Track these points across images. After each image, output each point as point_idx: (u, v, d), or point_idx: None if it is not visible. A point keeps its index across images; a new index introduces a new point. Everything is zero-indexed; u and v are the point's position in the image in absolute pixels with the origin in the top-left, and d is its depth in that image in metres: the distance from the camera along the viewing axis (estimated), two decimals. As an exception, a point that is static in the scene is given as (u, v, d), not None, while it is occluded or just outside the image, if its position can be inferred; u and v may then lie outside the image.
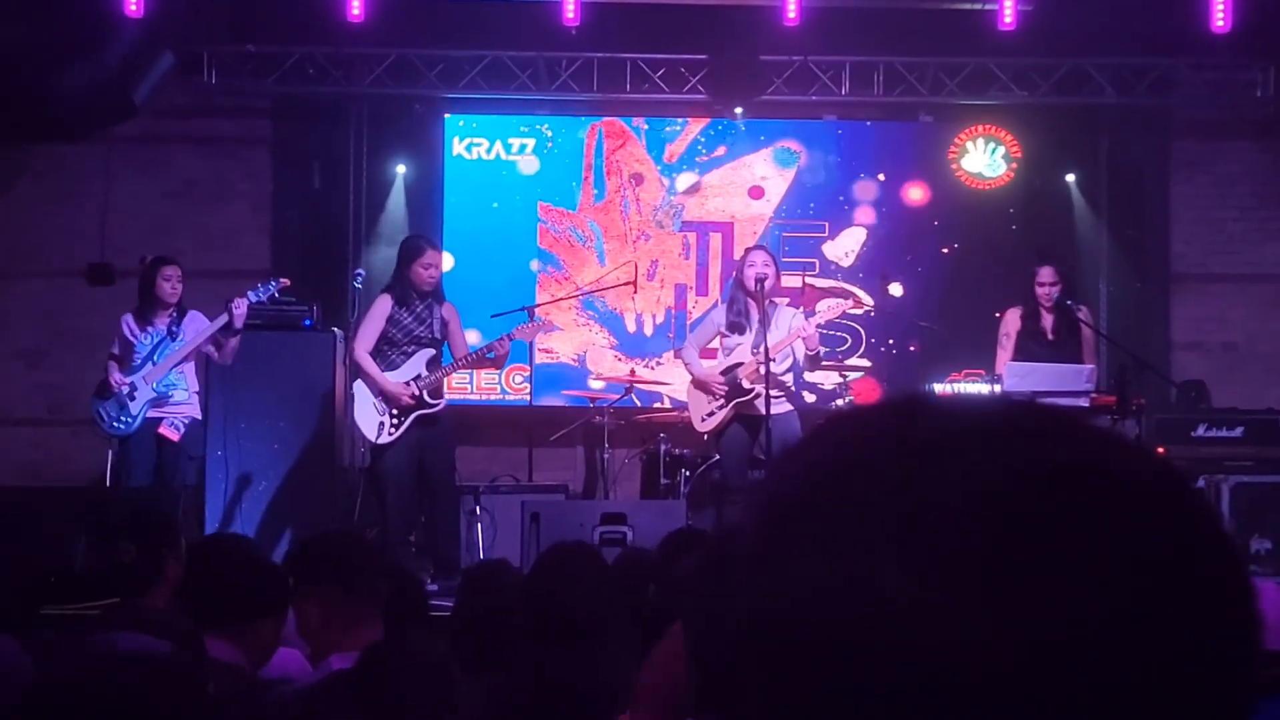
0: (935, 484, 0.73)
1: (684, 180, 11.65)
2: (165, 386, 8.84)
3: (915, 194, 11.55)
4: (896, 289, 11.28)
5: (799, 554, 0.75)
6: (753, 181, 11.64)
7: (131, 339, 8.90)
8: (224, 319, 8.79)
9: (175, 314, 8.94)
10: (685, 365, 8.93)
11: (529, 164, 11.60)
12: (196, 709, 1.96)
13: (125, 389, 8.78)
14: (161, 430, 8.81)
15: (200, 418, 9.03)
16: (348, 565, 3.87)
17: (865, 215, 11.58)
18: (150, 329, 8.90)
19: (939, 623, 0.70)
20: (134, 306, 9.03)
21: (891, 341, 11.39)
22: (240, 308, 8.75)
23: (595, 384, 11.02)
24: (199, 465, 9.20)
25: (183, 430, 8.86)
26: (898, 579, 0.71)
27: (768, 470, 0.82)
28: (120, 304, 9.26)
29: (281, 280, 9.11)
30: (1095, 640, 0.70)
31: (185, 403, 8.93)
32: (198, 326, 8.93)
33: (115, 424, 8.80)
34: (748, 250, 9.01)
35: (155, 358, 8.85)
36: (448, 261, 10.78)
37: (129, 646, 2.38)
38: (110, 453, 9.08)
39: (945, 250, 11.50)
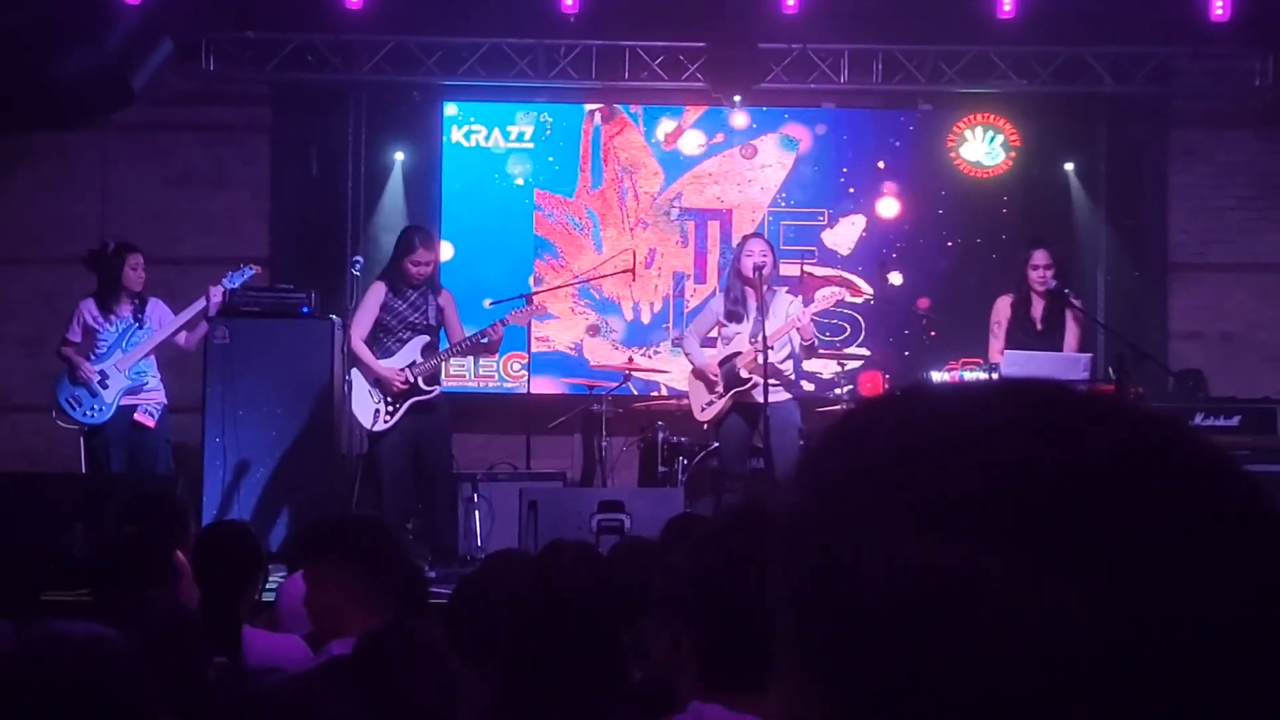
0: (1002, 464, 0.73)
1: (687, 142, 11.62)
2: (137, 374, 8.88)
3: (890, 208, 11.51)
4: (896, 278, 11.29)
5: (865, 538, 0.75)
6: (751, 169, 11.63)
7: (96, 326, 8.93)
8: (200, 305, 8.84)
9: (138, 301, 8.99)
10: (686, 354, 8.95)
11: (527, 151, 11.60)
12: (133, 694, 1.97)
13: (96, 377, 8.80)
14: (137, 417, 8.87)
15: (167, 403, 9.10)
16: (372, 548, 3.85)
17: (865, 203, 11.58)
18: (115, 317, 8.93)
19: (1024, 601, 0.71)
20: (93, 293, 9.07)
21: (904, 332, 11.36)
22: (215, 296, 8.80)
23: (595, 358, 11.03)
24: (191, 452, 9.25)
25: (157, 416, 8.93)
26: (965, 560, 0.72)
27: (809, 456, 0.81)
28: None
29: (254, 267, 9.20)
30: (1159, 609, 0.70)
31: (157, 389, 9.03)
32: (161, 313, 9.01)
33: (88, 413, 8.82)
34: (745, 238, 9.00)
35: (125, 345, 8.88)
36: (446, 251, 10.79)
37: (71, 632, 2.39)
38: (81, 441, 9.09)
39: (950, 244, 11.49)
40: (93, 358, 8.89)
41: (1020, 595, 0.71)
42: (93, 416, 8.83)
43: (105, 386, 8.81)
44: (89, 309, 8.99)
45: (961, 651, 0.71)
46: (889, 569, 0.73)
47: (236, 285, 9.02)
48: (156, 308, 9.06)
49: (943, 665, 0.72)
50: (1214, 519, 0.73)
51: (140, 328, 8.94)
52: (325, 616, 3.81)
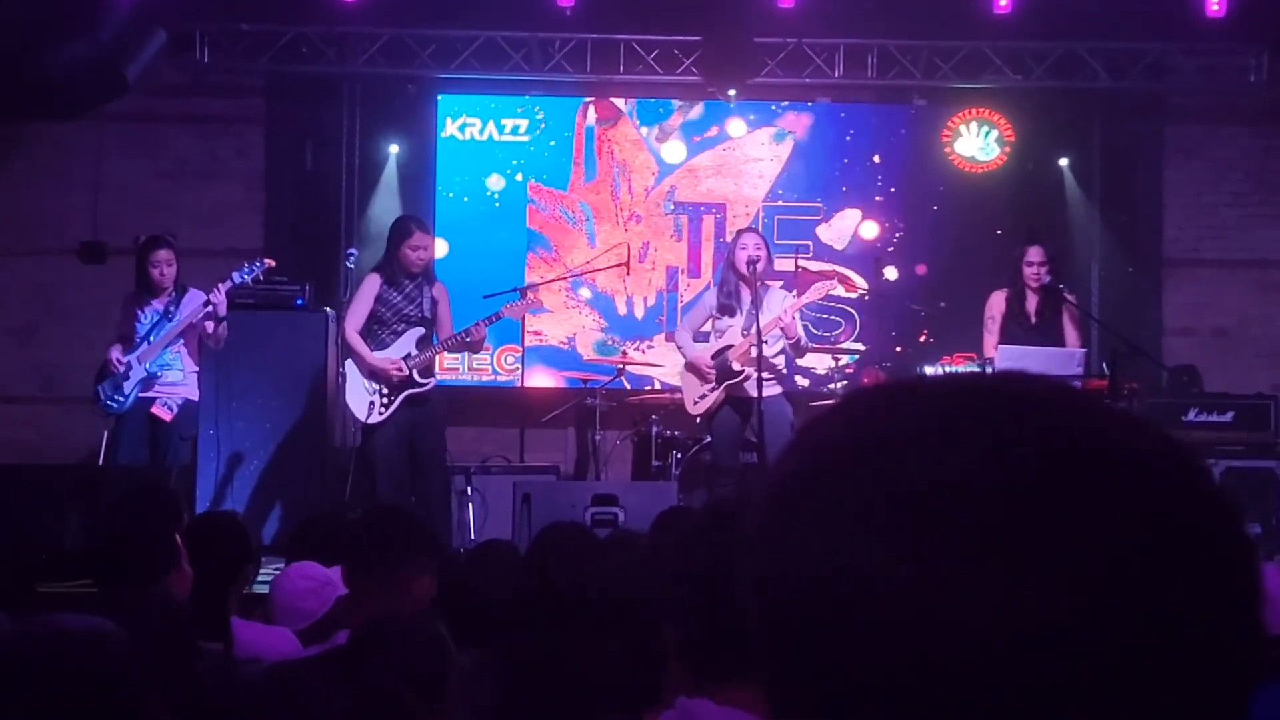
0: (926, 465, 0.73)
1: (672, 151, 11.62)
2: (158, 367, 8.83)
3: (869, 230, 11.47)
4: (891, 273, 11.29)
5: (794, 536, 0.75)
6: (746, 163, 11.62)
7: (133, 319, 8.91)
8: (205, 299, 8.78)
9: (174, 293, 8.92)
10: (678, 348, 8.96)
11: (521, 144, 11.59)
12: (128, 687, 1.97)
13: (122, 368, 8.79)
14: (154, 410, 8.80)
15: (196, 398, 9.00)
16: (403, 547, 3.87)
17: (859, 198, 11.57)
18: (148, 309, 8.90)
19: (929, 603, 0.70)
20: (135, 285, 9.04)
21: (892, 333, 11.34)
22: (217, 296, 8.70)
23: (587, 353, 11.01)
24: (191, 445, 9.19)
25: (175, 410, 8.84)
26: (886, 560, 0.71)
27: (777, 453, 0.82)
28: (112, 282, 9.25)
29: (267, 261, 9.08)
30: (1087, 615, 0.69)
31: (180, 383, 8.90)
32: (194, 305, 8.92)
33: (110, 402, 8.81)
34: (739, 232, 9.02)
35: (151, 338, 8.85)
36: (441, 248, 10.77)
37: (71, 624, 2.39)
38: (106, 431, 9.08)
39: (945, 239, 11.48)
40: (129, 350, 8.86)
41: (932, 598, 0.70)
42: (114, 407, 8.82)
43: (128, 378, 8.79)
44: (127, 300, 8.97)
45: (879, 654, 0.71)
46: (810, 572, 0.74)
47: (248, 280, 8.89)
48: (194, 298, 8.90)
49: (865, 669, 0.72)
50: (1143, 517, 0.71)
51: (169, 320, 8.87)
52: (349, 611, 3.84)
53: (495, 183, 11.53)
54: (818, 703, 0.74)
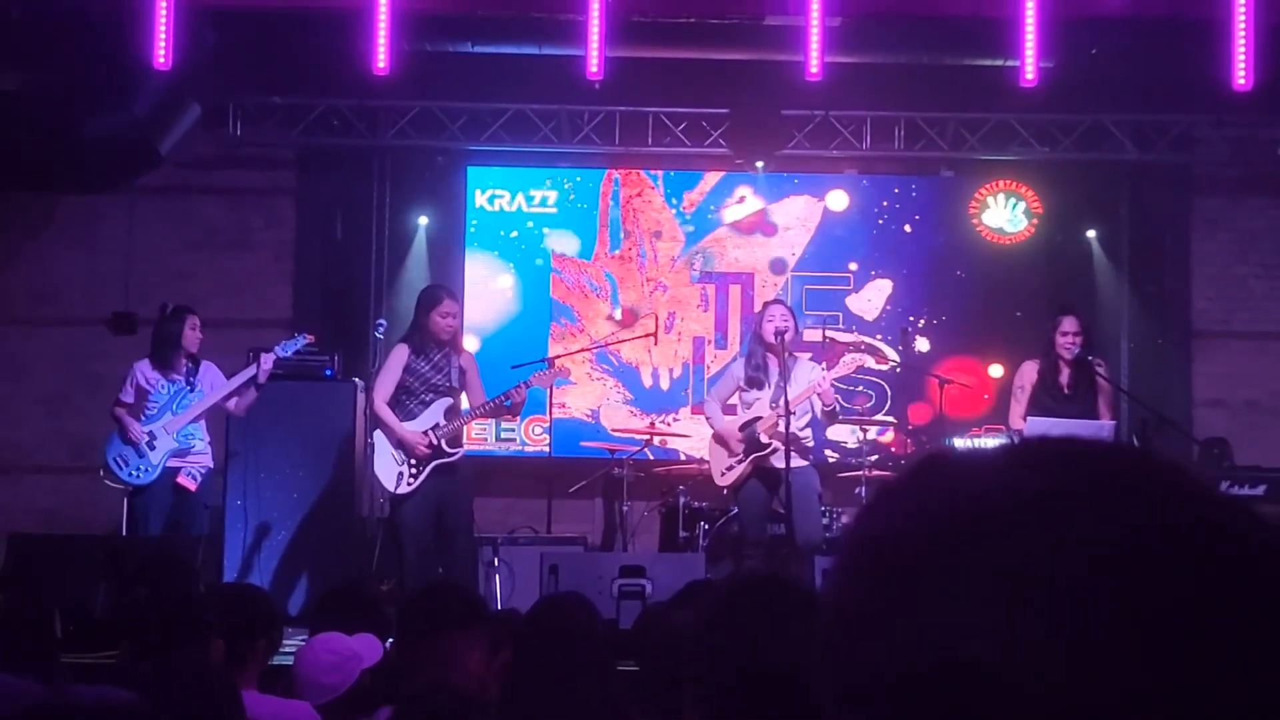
0: (1046, 541, 0.69)
1: (731, 213, 11.65)
2: (185, 437, 8.86)
3: (922, 344, 11.41)
4: (922, 344, 11.26)
5: (893, 612, 0.72)
6: (772, 231, 11.63)
7: (148, 388, 8.91)
8: (251, 372, 8.81)
9: (190, 364, 8.98)
10: (707, 418, 8.93)
11: (549, 215, 11.64)
12: None
13: (145, 438, 8.80)
14: (180, 480, 8.82)
15: (213, 467, 9.05)
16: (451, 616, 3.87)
17: (889, 269, 11.57)
18: (167, 380, 8.93)
19: (1044, 691, 0.67)
20: (148, 354, 9.06)
21: (925, 400, 11.29)
22: (267, 363, 8.77)
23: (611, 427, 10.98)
24: (212, 514, 9.21)
25: (199, 480, 8.89)
26: (998, 643, 0.68)
27: (858, 519, 0.78)
28: (142, 352, 9.26)
29: (307, 336, 9.14)
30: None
31: (203, 453, 8.97)
32: (212, 377, 8.98)
33: (133, 473, 8.81)
34: (766, 304, 9.01)
35: (175, 408, 8.87)
36: (471, 345, 10.79)
37: (90, 696, 2.37)
38: (125, 501, 9.08)
39: (973, 311, 11.45)
40: (143, 419, 8.86)
41: (1023, 679, 0.67)
42: (138, 477, 8.82)
43: (153, 448, 8.80)
44: (143, 370, 8.97)
45: None
46: (892, 651, 0.71)
47: (289, 354, 8.98)
48: (209, 371, 9.01)
49: None
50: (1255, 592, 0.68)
51: (191, 390, 8.91)
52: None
53: (521, 252, 11.59)
54: None
